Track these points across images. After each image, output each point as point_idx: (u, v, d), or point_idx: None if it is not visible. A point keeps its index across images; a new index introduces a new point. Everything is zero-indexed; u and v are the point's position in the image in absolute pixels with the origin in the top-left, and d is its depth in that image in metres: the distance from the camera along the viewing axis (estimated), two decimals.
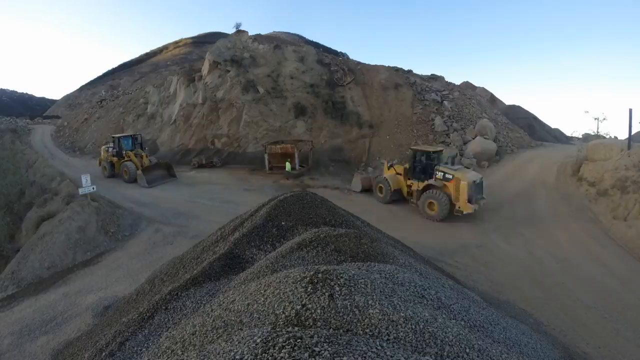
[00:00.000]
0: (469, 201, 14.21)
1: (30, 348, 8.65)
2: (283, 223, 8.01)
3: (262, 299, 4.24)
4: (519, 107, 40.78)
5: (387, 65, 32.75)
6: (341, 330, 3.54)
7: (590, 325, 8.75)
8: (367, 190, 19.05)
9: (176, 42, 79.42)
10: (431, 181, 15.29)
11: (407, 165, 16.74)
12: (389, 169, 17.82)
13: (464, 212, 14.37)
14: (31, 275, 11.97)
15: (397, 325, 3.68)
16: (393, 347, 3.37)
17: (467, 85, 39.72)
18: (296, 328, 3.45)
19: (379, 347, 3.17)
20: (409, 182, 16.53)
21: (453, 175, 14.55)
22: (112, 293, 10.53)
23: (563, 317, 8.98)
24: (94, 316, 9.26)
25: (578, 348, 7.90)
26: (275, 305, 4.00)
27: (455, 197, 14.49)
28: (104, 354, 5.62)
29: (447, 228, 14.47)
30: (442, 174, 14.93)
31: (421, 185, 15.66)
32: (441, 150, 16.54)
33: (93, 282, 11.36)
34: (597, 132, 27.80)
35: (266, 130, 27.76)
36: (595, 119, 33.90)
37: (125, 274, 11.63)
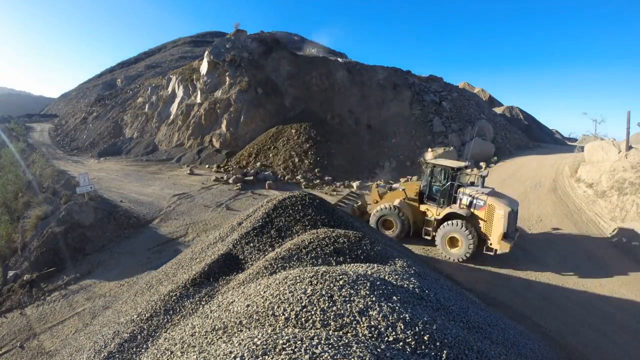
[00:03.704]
0: (505, 237, 10.76)
1: (29, 348, 8.63)
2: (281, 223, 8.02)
3: (262, 300, 4.24)
4: (517, 108, 40.97)
5: (385, 65, 32.80)
6: (341, 332, 3.54)
7: (587, 327, 8.80)
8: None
9: (175, 41, 79.22)
10: (454, 208, 11.53)
11: (419, 185, 12.65)
12: (381, 195, 13.47)
13: (498, 252, 10.95)
14: (28, 276, 11.91)
15: (396, 327, 3.68)
16: (392, 348, 3.37)
17: (465, 86, 39.82)
18: (296, 330, 3.45)
19: (379, 349, 3.18)
20: (423, 207, 12.41)
21: (485, 202, 10.95)
22: (109, 293, 10.51)
23: (561, 319, 9.03)
24: (92, 317, 9.25)
25: (576, 349, 7.94)
26: (275, 307, 3.99)
27: (487, 231, 11.04)
28: (102, 355, 5.61)
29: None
30: (470, 199, 11.22)
31: (441, 212, 11.74)
32: (466, 167, 12.78)
33: (90, 282, 11.34)
34: (595, 133, 27.96)
35: (264, 130, 27.75)
36: (594, 120, 34.06)
37: (122, 273, 11.61)
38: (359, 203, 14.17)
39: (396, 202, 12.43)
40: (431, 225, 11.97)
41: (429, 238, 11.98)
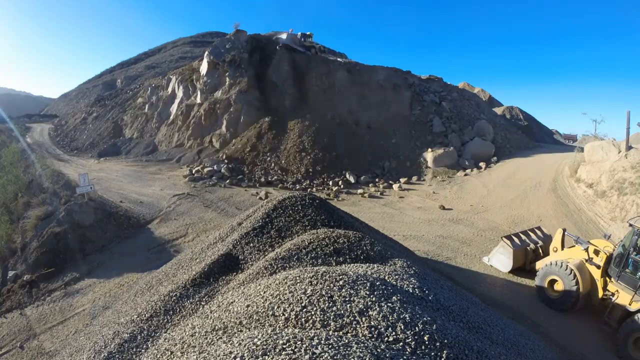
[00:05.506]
0: None
1: (28, 349, 8.62)
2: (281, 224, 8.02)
3: (262, 300, 4.24)
4: (517, 108, 40.97)
5: (385, 65, 32.76)
6: (341, 332, 3.54)
7: (587, 327, 8.79)
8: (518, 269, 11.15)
9: (174, 42, 79.21)
10: None
11: (611, 250, 9.04)
12: (562, 245, 10.13)
13: None
14: (28, 276, 11.91)
15: (396, 327, 3.68)
16: (392, 349, 3.37)
17: (465, 86, 39.82)
18: (296, 330, 3.45)
19: (379, 349, 3.18)
20: (610, 286, 8.71)
21: None
22: (109, 293, 10.50)
23: (561, 318, 9.02)
24: (92, 317, 9.24)
25: (575, 349, 7.94)
26: (275, 307, 3.99)
27: None
28: (102, 355, 5.61)
29: (444, 227, 14.50)
30: None
31: (633, 302, 8.00)
32: None
33: (90, 283, 11.33)
34: (595, 133, 27.95)
35: (264, 130, 27.73)
36: (593, 120, 34.06)
37: (122, 274, 11.60)
38: (540, 244, 11.32)
39: (573, 262, 9.11)
40: (616, 313, 8.26)
41: (608, 330, 8.36)
